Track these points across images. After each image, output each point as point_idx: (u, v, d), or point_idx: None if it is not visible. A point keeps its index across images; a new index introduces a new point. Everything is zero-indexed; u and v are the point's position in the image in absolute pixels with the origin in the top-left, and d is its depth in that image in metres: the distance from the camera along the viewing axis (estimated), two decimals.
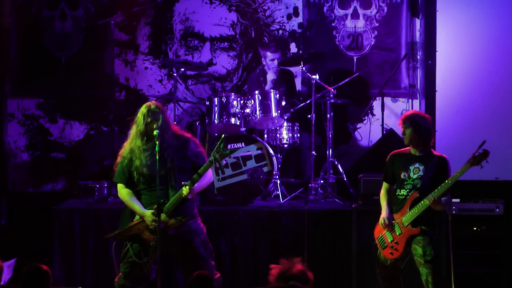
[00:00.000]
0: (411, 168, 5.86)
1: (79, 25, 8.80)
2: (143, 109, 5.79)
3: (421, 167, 5.83)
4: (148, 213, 5.69)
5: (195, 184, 5.68)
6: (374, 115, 8.59)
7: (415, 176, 5.83)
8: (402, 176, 5.88)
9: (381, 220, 5.92)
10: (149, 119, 5.73)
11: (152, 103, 5.83)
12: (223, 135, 5.69)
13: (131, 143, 5.84)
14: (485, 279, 7.17)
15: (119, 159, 5.90)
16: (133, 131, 5.85)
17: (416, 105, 8.54)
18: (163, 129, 5.73)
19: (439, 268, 5.92)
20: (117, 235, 5.81)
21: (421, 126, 5.85)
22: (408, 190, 5.84)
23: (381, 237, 5.94)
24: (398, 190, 5.91)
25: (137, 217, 5.78)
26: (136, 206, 5.77)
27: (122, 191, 5.88)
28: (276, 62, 8.12)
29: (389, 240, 5.87)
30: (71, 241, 7.24)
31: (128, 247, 5.77)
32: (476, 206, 7.25)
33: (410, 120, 5.86)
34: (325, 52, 8.47)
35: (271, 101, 7.59)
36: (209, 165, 5.67)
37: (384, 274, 6.00)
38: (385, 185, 6.07)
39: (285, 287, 4.75)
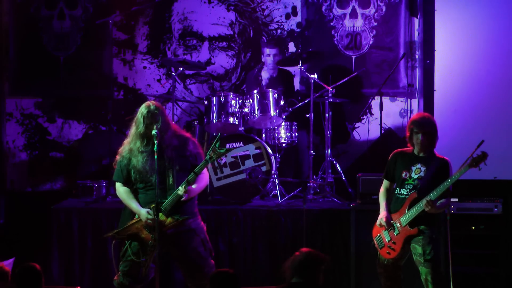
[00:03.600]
0: (413, 168, 5.86)
1: (77, 25, 8.80)
2: (142, 110, 5.76)
3: (423, 168, 5.82)
4: (143, 211, 5.71)
5: (192, 185, 5.68)
6: (373, 114, 8.59)
7: (416, 176, 5.83)
8: (403, 175, 5.87)
9: (378, 221, 5.92)
10: (148, 121, 5.70)
11: (151, 103, 5.79)
12: (219, 134, 5.68)
13: (131, 143, 5.82)
14: (484, 279, 7.17)
15: (118, 157, 5.90)
16: (132, 131, 5.83)
17: (415, 105, 8.54)
18: (162, 129, 5.72)
19: (439, 267, 5.92)
20: (116, 233, 5.81)
21: (437, 133, 5.85)
22: (408, 190, 5.83)
23: (379, 236, 5.94)
24: (398, 189, 5.90)
25: (136, 216, 5.78)
26: (133, 204, 5.78)
27: (120, 189, 5.89)
28: (272, 58, 8.12)
29: (387, 240, 5.87)
30: (69, 241, 7.25)
31: (127, 246, 5.78)
32: (475, 206, 7.25)
33: (429, 125, 5.80)
34: (324, 52, 8.48)
35: (269, 101, 7.59)
36: (205, 164, 5.66)
37: (386, 274, 6.00)
38: (385, 183, 6.06)
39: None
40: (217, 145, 5.59)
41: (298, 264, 4.75)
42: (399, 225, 5.81)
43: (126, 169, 5.82)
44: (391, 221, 5.86)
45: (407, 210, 5.78)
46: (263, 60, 8.27)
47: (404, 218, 5.79)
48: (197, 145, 5.93)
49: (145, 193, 5.79)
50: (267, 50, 8.18)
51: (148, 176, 5.74)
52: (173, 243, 5.78)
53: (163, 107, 5.95)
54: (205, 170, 5.82)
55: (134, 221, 5.77)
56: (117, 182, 5.91)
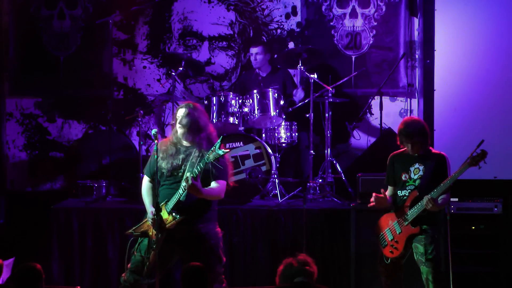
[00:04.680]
0: (412, 169, 5.86)
1: (77, 24, 8.80)
2: (180, 110, 5.84)
3: (421, 167, 5.82)
4: (149, 210, 5.78)
5: (202, 187, 5.65)
6: (373, 114, 8.59)
7: (415, 177, 5.83)
8: (403, 177, 5.87)
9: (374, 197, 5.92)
10: (181, 120, 5.77)
11: (191, 104, 5.87)
12: (221, 136, 5.65)
13: (168, 140, 5.91)
14: (484, 278, 7.17)
15: (152, 153, 5.92)
16: (173, 130, 5.91)
17: (415, 104, 8.54)
18: (192, 129, 5.76)
19: (440, 267, 5.93)
20: (133, 230, 5.87)
21: (427, 136, 5.85)
22: (410, 190, 5.83)
23: (381, 235, 5.94)
24: (400, 191, 5.90)
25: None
26: (146, 202, 5.89)
27: (144, 184, 5.99)
28: (255, 57, 8.10)
29: (389, 239, 5.87)
30: (69, 240, 7.24)
31: (138, 243, 5.80)
32: (475, 205, 7.24)
33: (417, 135, 5.80)
34: (323, 51, 8.47)
35: (269, 100, 7.60)
36: (203, 164, 5.59)
37: (386, 273, 6.00)
38: (389, 189, 6.04)
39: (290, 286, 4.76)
40: (217, 147, 5.56)
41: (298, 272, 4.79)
42: (401, 224, 5.81)
43: (154, 164, 5.82)
44: (392, 222, 5.86)
45: (409, 209, 5.77)
46: (251, 59, 8.26)
47: (406, 217, 5.78)
48: (226, 159, 5.85)
49: (166, 190, 5.81)
50: (252, 50, 8.17)
51: (171, 173, 5.78)
52: (181, 246, 5.78)
53: (201, 108, 5.95)
54: (222, 182, 5.79)
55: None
56: (145, 175, 5.99)
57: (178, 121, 5.82)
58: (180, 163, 5.78)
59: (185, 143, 5.82)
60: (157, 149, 5.61)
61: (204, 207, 5.80)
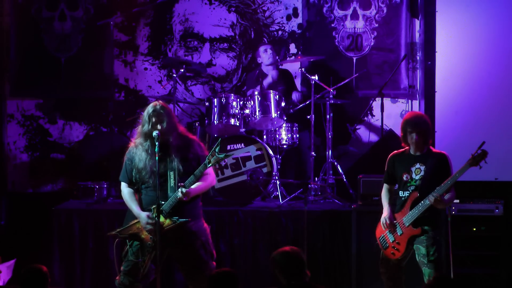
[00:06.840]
0: (413, 169, 5.85)
1: (78, 26, 8.81)
2: (149, 109, 5.73)
3: (422, 167, 5.82)
4: (143, 215, 5.70)
5: (193, 187, 5.66)
6: (374, 115, 8.59)
7: (417, 177, 5.82)
8: (404, 178, 5.87)
9: (382, 220, 5.91)
10: (154, 120, 5.69)
11: (158, 103, 5.77)
12: (219, 139, 5.64)
13: (135, 142, 5.82)
14: (485, 280, 7.17)
15: (124, 158, 5.89)
16: (138, 130, 5.81)
17: (416, 106, 8.54)
18: (168, 129, 5.69)
19: (442, 268, 5.93)
20: (119, 233, 5.82)
21: (430, 130, 5.85)
22: (411, 191, 5.83)
23: (382, 237, 5.94)
24: (401, 191, 5.89)
25: None
26: (134, 207, 5.78)
27: (124, 190, 5.88)
28: (270, 54, 8.12)
29: (391, 241, 5.87)
30: (70, 242, 7.25)
31: (128, 246, 5.78)
32: (476, 207, 7.25)
33: (423, 124, 5.81)
34: (325, 53, 8.48)
35: (270, 102, 7.60)
36: (204, 168, 5.61)
37: (388, 274, 6.00)
38: (385, 186, 6.06)
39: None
40: (216, 150, 5.55)
41: (283, 267, 4.76)
42: (402, 225, 5.81)
43: (130, 169, 5.82)
44: (394, 221, 5.86)
45: (410, 210, 5.77)
46: (258, 61, 8.26)
47: (406, 218, 5.78)
48: (203, 147, 5.88)
49: (146, 194, 5.79)
50: (262, 49, 8.18)
51: (147, 177, 5.73)
52: (174, 245, 5.76)
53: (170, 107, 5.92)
54: (210, 170, 5.79)
55: (135, 221, 5.77)
56: (122, 182, 5.90)
57: (154, 117, 5.68)
58: (161, 164, 5.70)
59: (160, 142, 5.64)
60: (158, 151, 5.60)
61: (192, 205, 5.79)
